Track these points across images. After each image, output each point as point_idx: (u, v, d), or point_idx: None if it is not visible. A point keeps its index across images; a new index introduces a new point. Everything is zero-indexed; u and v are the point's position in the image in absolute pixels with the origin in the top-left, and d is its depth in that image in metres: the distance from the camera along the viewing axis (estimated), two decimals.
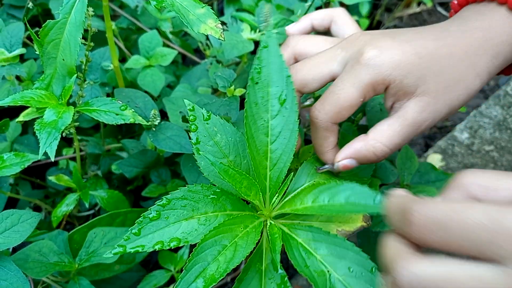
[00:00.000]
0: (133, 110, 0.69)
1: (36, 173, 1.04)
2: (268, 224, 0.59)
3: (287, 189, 0.62)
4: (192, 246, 0.56)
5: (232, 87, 0.76)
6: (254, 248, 0.61)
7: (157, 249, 0.54)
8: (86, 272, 0.76)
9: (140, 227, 0.55)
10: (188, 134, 0.71)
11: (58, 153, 1.00)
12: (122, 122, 0.66)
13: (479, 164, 1.03)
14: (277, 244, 0.55)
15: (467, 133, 1.09)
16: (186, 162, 0.78)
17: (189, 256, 0.53)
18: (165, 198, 0.56)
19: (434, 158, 1.05)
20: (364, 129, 0.79)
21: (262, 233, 0.59)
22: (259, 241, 0.62)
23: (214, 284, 0.52)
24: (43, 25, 0.62)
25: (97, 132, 1.03)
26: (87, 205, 0.81)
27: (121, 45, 1.09)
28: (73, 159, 1.00)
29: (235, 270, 1.01)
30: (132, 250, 0.54)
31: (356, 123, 0.79)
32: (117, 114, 0.67)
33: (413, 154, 0.77)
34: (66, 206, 0.82)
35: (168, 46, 1.09)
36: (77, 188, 0.83)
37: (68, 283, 0.72)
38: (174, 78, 1.09)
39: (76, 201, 0.83)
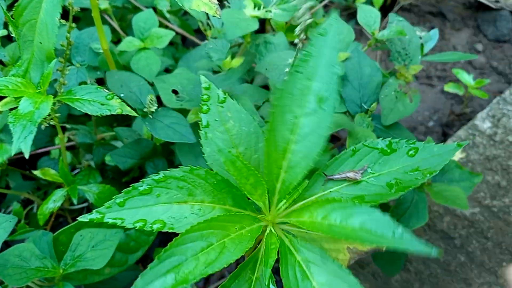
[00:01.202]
0: (120, 99, 0.62)
1: (29, 162, 0.99)
2: (268, 231, 0.52)
3: (297, 197, 0.55)
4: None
5: (228, 59, 0.69)
6: (250, 253, 0.55)
7: (137, 227, 0.48)
8: (74, 277, 0.69)
9: (126, 197, 0.50)
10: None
11: (50, 142, 0.94)
12: (108, 113, 0.60)
13: (502, 156, 0.95)
14: (271, 257, 0.48)
15: (489, 122, 1.00)
16: (183, 145, 0.71)
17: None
18: (162, 173, 0.51)
19: None
20: (378, 119, 0.71)
21: (261, 239, 0.53)
22: (256, 247, 0.55)
23: (184, 285, 0.45)
24: (15, 4, 0.54)
25: (91, 119, 0.96)
26: (75, 202, 0.75)
27: (116, 25, 1.01)
28: (67, 148, 0.93)
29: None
30: (110, 221, 0.49)
31: (370, 113, 0.71)
32: (102, 104, 0.60)
33: None
34: (53, 202, 0.76)
35: (165, 26, 1.01)
36: (65, 183, 0.76)
37: None
38: (173, 61, 1.02)
39: (64, 197, 0.76)
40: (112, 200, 0.49)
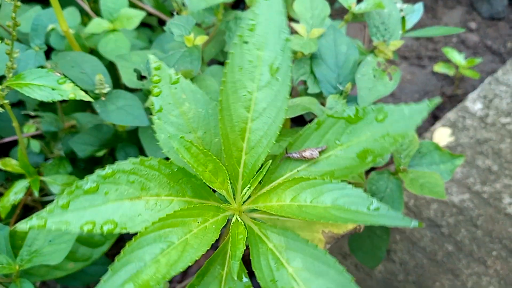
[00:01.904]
0: (73, 83, 0.59)
1: (2, 152, 0.94)
2: (233, 220, 0.48)
3: (262, 179, 0.51)
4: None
5: (191, 35, 0.65)
6: (217, 246, 0.51)
7: (85, 231, 0.44)
8: (34, 272, 0.66)
9: (69, 198, 0.45)
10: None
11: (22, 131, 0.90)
12: (60, 98, 0.56)
13: (493, 139, 0.90)
14: (238, 248, 0.44)
15: (480, 103, 0.95)
16: (145, 131, 0.68)
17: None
18: (109, 167, 0.46)
19: (442, 133, 0.92)
20: (355, 101, 0.66)
21: (229, 230, 0.49)
22: (224, 238, 0.52)
23: None
24: None
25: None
26: (36, 194, 0.71)
27: (86, 6, 0.96)
28: (36, 136, 0.89)
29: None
30: (54, 227, 0.44)
31: (345, 94, 0.66)
32: (53, 89, 0.57)
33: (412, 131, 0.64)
34: (15, 195, 0.72)
35: (138, 7, 0.96)
36: (26, 174, 0.72)
37: (9, 287, 0.61)
38: (148, 44, 0.97)
39: (26, 189, 0.72)
40: (54, 202, 0.45)
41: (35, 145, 0.90)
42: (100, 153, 0.85)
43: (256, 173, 0.49)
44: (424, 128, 1.01)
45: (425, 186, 0.61)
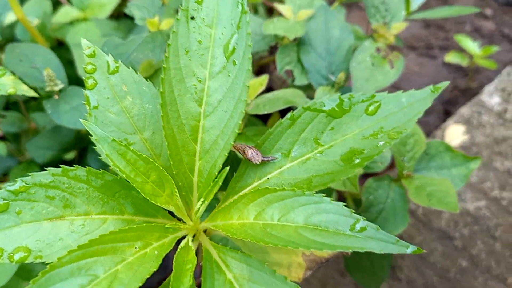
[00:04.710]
0: (15, 76, 0.53)
1: None
2: (182, 244, 0.38)
3: (227, 190, 0.42)
4: None
5: (156, 19, 0.56)
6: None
7: None
8: None
9: None
10: None
11: None
12: None
13: None
14: (183, 283, 0.34)
15: (498, 97, 0.84)
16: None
17: None
18: (21, 180, 0.38)
19: (455, 130, 0.81)
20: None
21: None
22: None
23: None
24: None
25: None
26: None
27: None
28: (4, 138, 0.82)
29: None
30: None
31: (337, 86, 0.55)
32: None
33: (417, 128, 0.54)
34: None
35: None
36: None
37: None
38: (126, 35, 0.89)
39: None
40: None
41: (1, 148, 0.82)
42: (70, 156, 0.76)
43: (212, 182, 0.39)
44: (434, 126, 0.90)
45: (433, 195, 0.50)
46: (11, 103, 0.87)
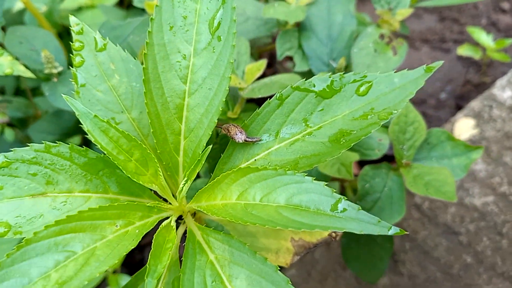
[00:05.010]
0: (13, 57, 0.53)
1: None
2: (165, 224, 0.38)
3: (214, 171, 0.41)
4: None
5: (155, 1, 0.55)
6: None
7: None
8: None
9: None
10: None
11: None
12: None
13: None
14: (161, 262, 0.34)
15: (510, 91, 0.82)
16: None
17: None
18: (3, 156, 0.38)
19: (465, 124, 0.79)
20: None
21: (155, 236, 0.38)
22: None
23: None
24: None
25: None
26: None
27: None
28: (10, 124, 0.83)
29: None
30: None
31: (338, 72, 0.54)
32: None
33: (418, 115, 0.52)
34: None
35: None
36: None
37: None
38: None
39: None
40: None
41: (10, 134, 0.83)
42: (75, 141, 0.77)
43: (196, 162, 0.38)
44: (444, 120, 0.88)
45: (430, 184, 0.48)
46: (21, 91, 0.88)
